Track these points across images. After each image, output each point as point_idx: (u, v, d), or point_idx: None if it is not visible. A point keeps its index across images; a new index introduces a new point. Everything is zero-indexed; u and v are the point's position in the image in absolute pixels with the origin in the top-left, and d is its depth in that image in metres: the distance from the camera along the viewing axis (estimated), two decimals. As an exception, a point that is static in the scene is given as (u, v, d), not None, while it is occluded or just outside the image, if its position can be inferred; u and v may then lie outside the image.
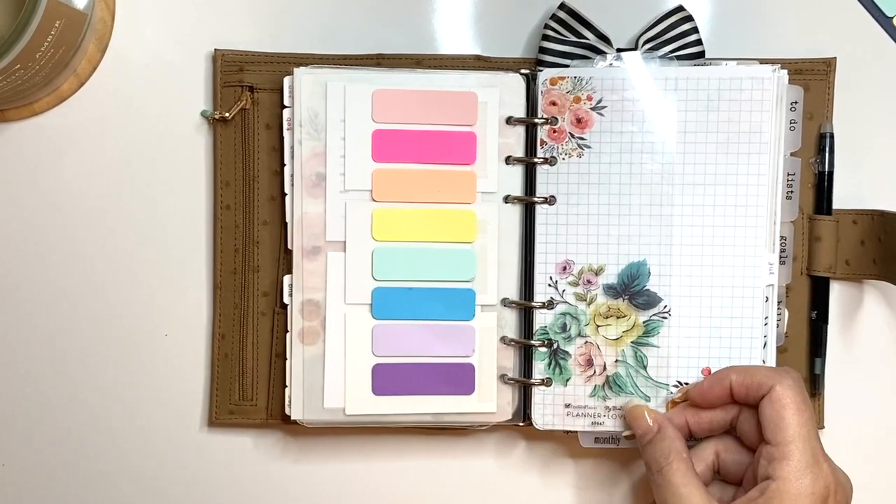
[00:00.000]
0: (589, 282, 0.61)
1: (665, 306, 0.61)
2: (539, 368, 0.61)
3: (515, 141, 0.61)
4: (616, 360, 0.61)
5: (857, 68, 0.64)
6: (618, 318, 0.61)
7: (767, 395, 0.55)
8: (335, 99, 0.60)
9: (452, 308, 0.61)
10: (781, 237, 0.61)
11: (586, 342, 0.61)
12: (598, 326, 0.61)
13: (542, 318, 0.61)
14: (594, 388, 0.61)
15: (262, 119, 0.62)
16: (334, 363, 0.61)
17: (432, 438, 0.64)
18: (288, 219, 0.61)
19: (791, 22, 0.64)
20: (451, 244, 0.61)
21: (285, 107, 0.61)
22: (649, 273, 0.60)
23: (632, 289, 0.61)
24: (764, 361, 0.60)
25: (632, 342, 0.61)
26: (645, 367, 0.61)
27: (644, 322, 0.61)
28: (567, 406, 0.61)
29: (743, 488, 0.57)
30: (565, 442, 0.64)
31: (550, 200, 0.61)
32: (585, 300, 0.61)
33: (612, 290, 0.61)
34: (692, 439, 0.59)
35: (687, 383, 0.60)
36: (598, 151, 0.61)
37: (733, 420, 0.58)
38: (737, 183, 0.60)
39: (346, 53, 0.62)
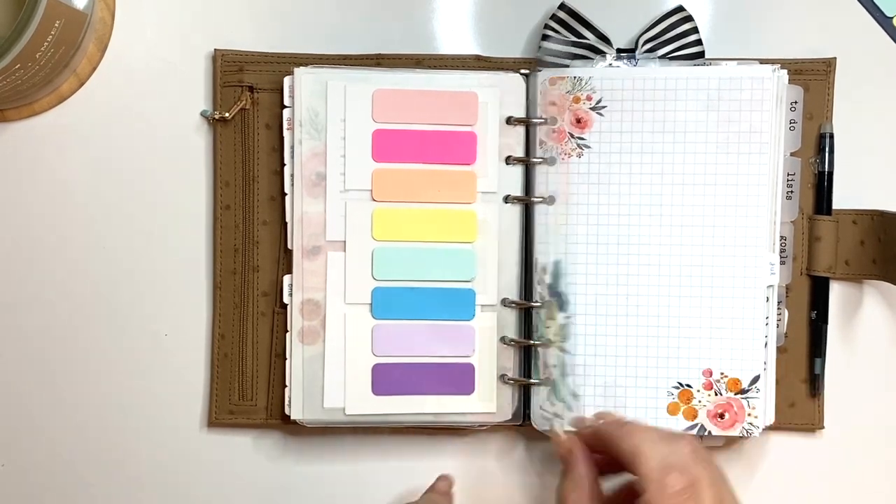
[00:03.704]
0: (589, 282, 0.61)
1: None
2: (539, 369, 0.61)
3: (515, 141, 0.61)
4: (616, 360, 0.61)
5: (857, 68, 0.64)
6: (618, 317, 0.61)
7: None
8: (335, 99, 0.60)
9: (452, 308, 0.61)
10: (781, 237, 0.61)
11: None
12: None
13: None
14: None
15: (261, 119, 0.62)
16: (334, 363, 0.61)
17: (432, 438, 0.64)
18: (288, 219, 0.61)
19: (791, 22, 0.64)
20: (451, 244, 0.61)
21: (285, 107, 0.61)
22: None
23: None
24: (765, 362, 0.60)
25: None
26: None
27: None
28: (567, 406, 0.61)
29: None
30: (565, 442, 0.64)
31: (550, 200, 0.61)
32: (585, 300, 0.61)
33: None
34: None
35: (689, 385, 0.60)
36: (597, 151, 0.61)
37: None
38: (737, 183, 0.60)
39: (346, 53, 0.62)
